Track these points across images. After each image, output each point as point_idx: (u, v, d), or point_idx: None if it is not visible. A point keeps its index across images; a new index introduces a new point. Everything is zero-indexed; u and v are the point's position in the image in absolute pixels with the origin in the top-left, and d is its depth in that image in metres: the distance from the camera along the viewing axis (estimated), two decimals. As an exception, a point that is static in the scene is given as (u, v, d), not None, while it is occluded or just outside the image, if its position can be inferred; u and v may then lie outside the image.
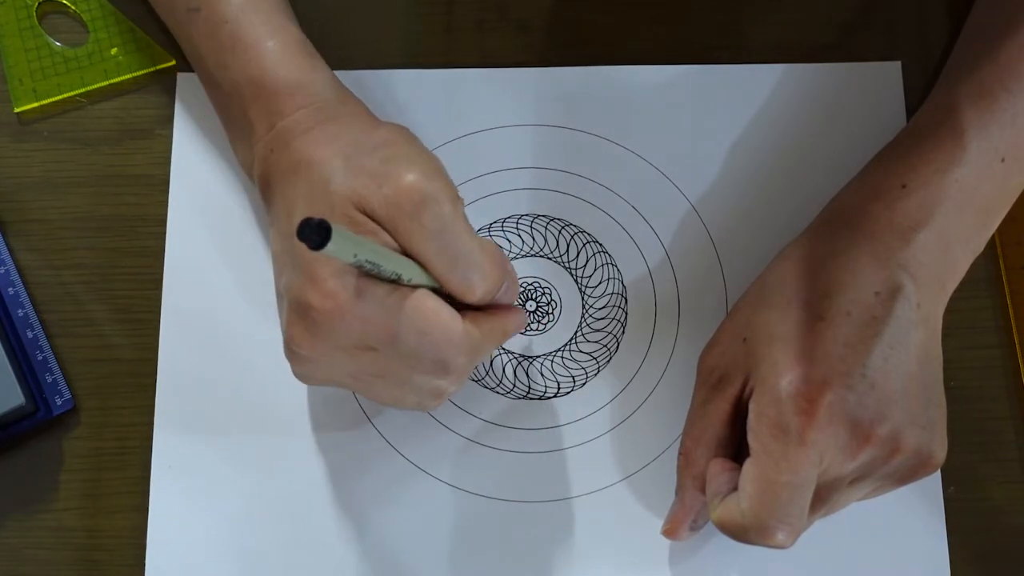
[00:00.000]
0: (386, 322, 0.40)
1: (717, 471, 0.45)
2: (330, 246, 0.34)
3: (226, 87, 0.47)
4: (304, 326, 0.41)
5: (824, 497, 0.43)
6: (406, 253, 0.41)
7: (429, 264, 0.41)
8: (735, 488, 0.44)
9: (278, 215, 0.44)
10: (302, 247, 0.38)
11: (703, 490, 0.46)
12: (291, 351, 0.42)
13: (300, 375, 0.44)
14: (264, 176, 0.45)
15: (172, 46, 0.54)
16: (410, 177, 0.40)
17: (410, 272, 0.40)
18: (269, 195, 0.45)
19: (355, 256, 0.37)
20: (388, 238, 0.40)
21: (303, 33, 0.49)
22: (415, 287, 0.40)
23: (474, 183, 0.53)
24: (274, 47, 0.46)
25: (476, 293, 0.42)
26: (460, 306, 0.42)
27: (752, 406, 0.44)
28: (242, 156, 0.49)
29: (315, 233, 0.34)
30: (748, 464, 0.43)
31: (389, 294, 0.40)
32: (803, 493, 0.42)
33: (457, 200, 0.41)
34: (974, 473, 0.50)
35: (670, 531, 0.48)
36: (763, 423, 0.43)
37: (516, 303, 0.46)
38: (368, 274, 0.39)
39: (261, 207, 0.52)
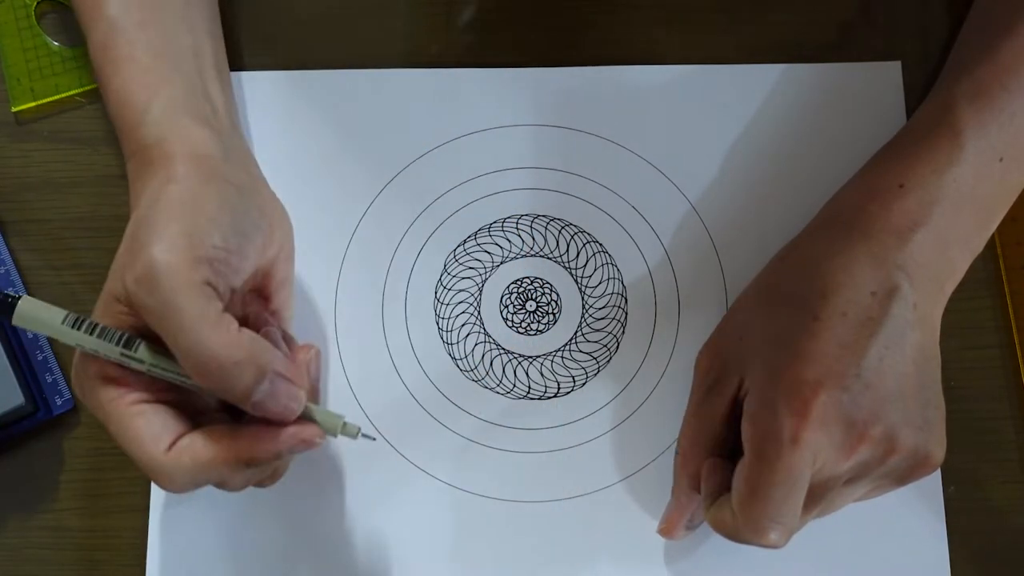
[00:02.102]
0: (106, 422, 0.41)
1: (712, 470, 0.45)
2: (16, 320, 0.38)
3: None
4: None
5: (818, 497, 0.43)
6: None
7: (162, 337, 0.39)
8: (730, 487, 0.44)
9: None
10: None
11: (699, 489, 0.46)
12: None
13: None
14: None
15: (172, 46, 0.54)
16: (150, 251, 0.39)
17: (128, 363, 0.40)
18: None
19: (41, 332, 0.40)
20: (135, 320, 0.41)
21: (175, 38, 0.47)
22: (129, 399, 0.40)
23: (474, 183, 0.53)
24: (117, 86, 0.46)
25: (227, 390, 0.39)
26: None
27: (747, 406, 0.44)
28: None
29: (5, 306, 0.38)
30: (742, 463, 0.43)
31: (107, 403, 0.40)
32: (796, 493, 0.42)
33: (201, 285, 0.39)
34: (974, 473, 0.50)
35: (666, 530, 0.48)
36: (757, 422, 0.43)
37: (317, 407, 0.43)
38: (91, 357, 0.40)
39: None
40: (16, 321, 0.38)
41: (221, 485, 0.42)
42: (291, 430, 0.41)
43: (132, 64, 0.46)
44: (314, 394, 0.45)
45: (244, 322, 0.42)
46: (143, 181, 0.43)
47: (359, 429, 0.43)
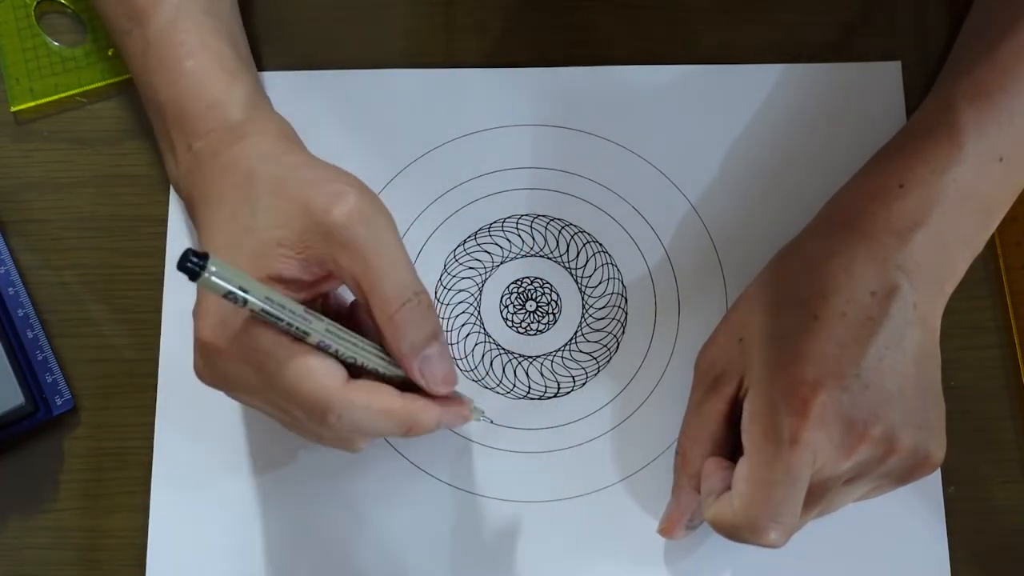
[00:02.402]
0: (260, 369, 0.40)
1: (712, 470, 0.45)
2: (205, 280, 0.35)
3: (153, 106, 0.48)
4: (199, 356, 0.42)
5: (818, 497, 0.43)
6: (339, 277, 0.40)
7: (358, 276, 0.40)
8: (729, 487, 0.44)
9: (199, 240, 0.44)
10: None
11: (699, 489, 0.46)
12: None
13: (232, 397, 0.44)
14: (187, 196, 0.46)
15: (172, 46, 0.54)
16: (343, 205, 0.40)
17: (304, 325, 0.39)
18: (192, 216, 0.46)
19: (230, 295, 0.37)
20: (296, 272, 0.40)
21: (236, 39, 0.49)
22: (309, 343, 0.40)
23: (474, 183, 0.53)
24: (192, 66, 0.46)
25: (392, 307, 0.40)
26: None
27: (746, 405, 0.44)
28: (169, 174, 0.49)
29: (193, 264, 0.34)
30: (741, 463, 0.43)
31: (275, 343, 0.39)
32: (796, 493, 0.42)
33: (378, 216, 0.41)
34: (974, 473, 0.50)
35: (666, 530, 0.48)
36: (757, 422, 0.43)
37: (461, 396, 0.45)
38: (261, 320, 0.39)
39: None
40: (202, 283, 0.36)
41: (348, 443, 0.43)
42: (455, 407, 0.43)
43: (206, 50, 0.47)
44: None
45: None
46: (243, 144, 0.44)
47: (483, 412, 0.47)
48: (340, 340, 0.40)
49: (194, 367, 0.42)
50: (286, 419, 0.43)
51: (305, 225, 0.40)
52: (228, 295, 0.37)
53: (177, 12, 0.47)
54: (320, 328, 0.40)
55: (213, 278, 0.35)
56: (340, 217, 0.40)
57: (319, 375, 0.39)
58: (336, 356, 0.41)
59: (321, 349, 0.40)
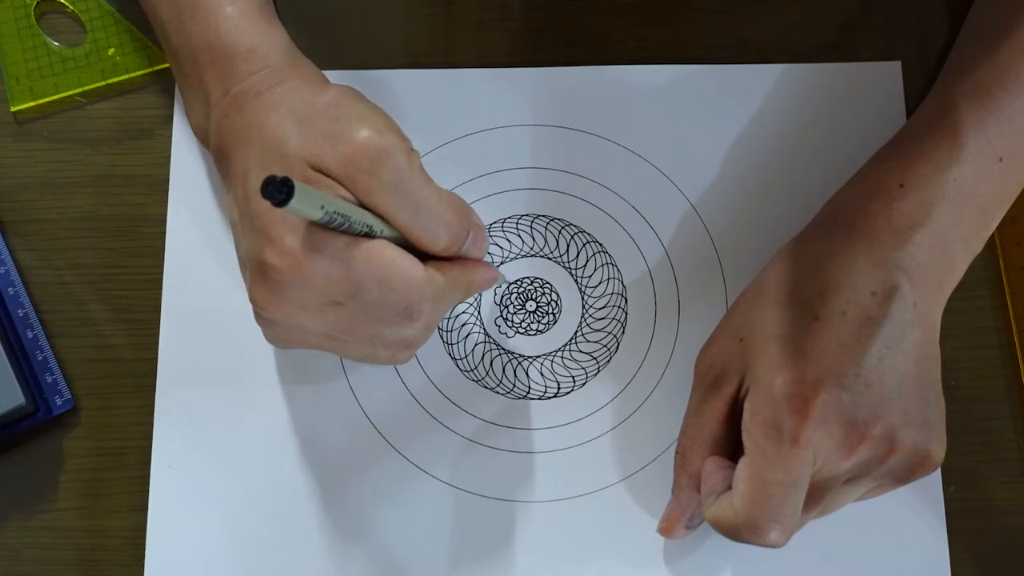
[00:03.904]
0: (347, 275, 0.40)
1: (712, 470, 0.45)
2: (294, 201, 0.35)
3: (184, 53, 0.48)
4: (267, 287, 0.41)
5: (818, 496, 0.43)
6: (366, 209, 0.41)
7: (390, 216, 0.41)
8: (730, 487, 0.44)
9: (234, 181, 0.44)
10: (260, 208, 0.40)
11: (699, 489, 0.46)
12: (258, 315, 0.43)
13: (272, 339, 0.45)
14: (219, 142, 0.45)
15: (172, 46, 0.54)
16: (363, 133, 0.41)
17: (379, 224, 0.41)
18: (225, 161, 0.45)
19: (322, 209, 0.37)
20: (346, 194, 0.41)
21: None
22: (375, 238, 0.41)
23: (474, 183, 0.53)
24: (232, 12, 0.46)
25: (440, 242, 0.42)
26: (428, 257, 0.42)
27: (747, 405, 0.44)
28: (196, 123, 0.49)
29: (278, 189, 0.35)
30: (742, 463, 0.43)
31: (347, 246, 0.40)
32: (796, 492, 0.42)
33: (412, 152, 0.42)
34: (974, 473, 0.50)
35: (666, 529, 0.48)
36: (757, 422, 0.43)
37: (489, 260, 0.47)
38: (329, 228, 0.40)
39: None
40: (289, 208, 0.36)
41: (413, 343, 0.45)
42: (490, 268, 0.46)
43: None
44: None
45: None
46: (286, 85, 0.44)
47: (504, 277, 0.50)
48: (391, 229, 0.42)
49: (253, 298, 0.42)
50: (355, 331, 0.43)
51: (332, 157, 0.41)
52: (313, 214, 0.38)
53: None
54: (379, 222, 0.41)
55: (295, 203, 0.35)
56: (361, 158, 0.41)
57: (405, 263, 0.41)
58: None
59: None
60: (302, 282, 0.40)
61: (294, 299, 0.41)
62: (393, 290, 0.41)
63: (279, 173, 0.40)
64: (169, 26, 0.48)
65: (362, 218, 0.40)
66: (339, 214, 0.38)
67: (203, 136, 0.48)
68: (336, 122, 0.42)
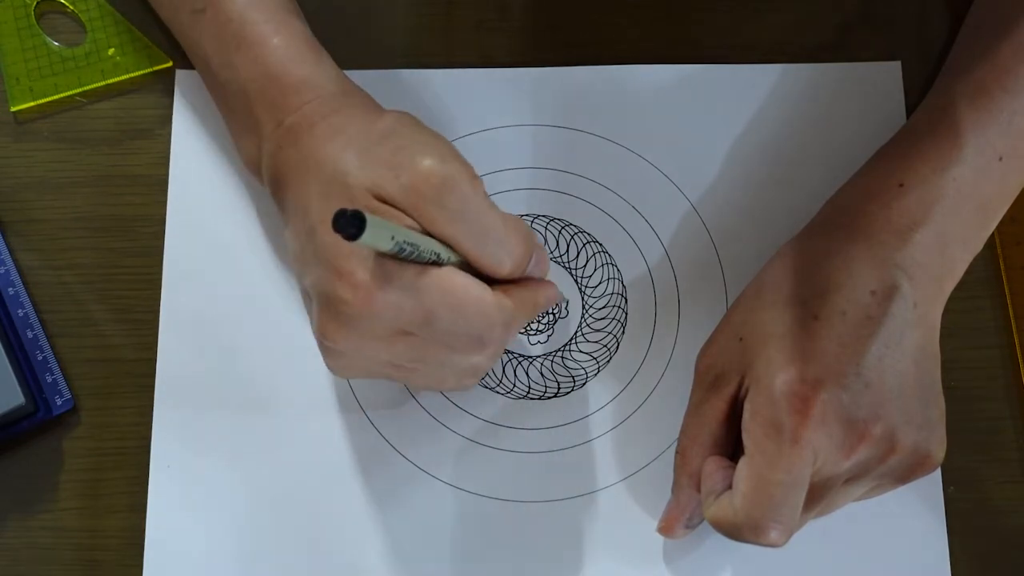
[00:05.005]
0: (419, 304, 0.40)
1: (712, 469, 0.45)
2: (366, 235, 0.35)
3: (232, 87, 0.47)
4: (338, 321, 0.41)
5: (818, 496, 0.43)
6: (431, 237, 0.41)
7: (456, 244, 0.41)
8: (730, 486, 0.44)
9: (293, 213, 0.44)
10: (328, 241, 0.40)
11: (699, 488, 0.46)
12: (325, 348, 0.43)
13: (336, 369, 0.44)
14: (275, 175, 0.45)
15: (170, 47, 0.54)
16: (427, 162, 0.41)
17: (446, 252, 0.41)
18: (282, 193, 0.45)
19: (393, 240, 0.37)
20: (412, 223, 0.41)
21: (307, 26, 0.49)
22: (443, 266, 0.41)
23: (474, 183, 0.53)
24: (279, 43, 0.46)
25: (505, 267, 0.42)
26: (491, 282, 0.42)
27: (747, 405, 0.44)
28: (247, 156, 0.48)
29: (350, 223, 0.34)
30: (742, 462, 0.43)
31: (418, 276, 0.40)
32: (796, 492, 0.42)
33: (475, 179, 0.42)
34: (974, 473, 0.50)
35: (665, 528, 0.48)
36: (757, 422, 0.43)
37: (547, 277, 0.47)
38: (398, 258, 0.40)
39: (261, 205, 0.52)
40: (361, 242, 0.36)
41: (483, 366, 0.45)
42: (551, 287, 0.46)
43: (289, 27, 0.47)
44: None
45: None
46: (341, 114, 0.44)
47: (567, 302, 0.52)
48: (456, 255, 0.42)
49: (323, 332, 0.42)
50: (425, 360, 0.43)
51: (396, 187, 0.41)
52: (384, 245, 0.38)
53: None
54: (446, 250, 0.41)
55: (367, 236, 0.35)
56: (426, 188, 0.40)
57: (475, 287, 0.41)
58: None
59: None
60: (373, 314, 0.40)
61: (366, 331, 0.41)
62: (465, 317, 0.41)
63: (342, 205, 0.41)
64: (214, 60, 0.48)
65: (430, 247, 0.40)
66: (409, 244, 0.38)
67: (255, 169, 0.48)
68: (398, 151, 0.42)
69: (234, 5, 0.47)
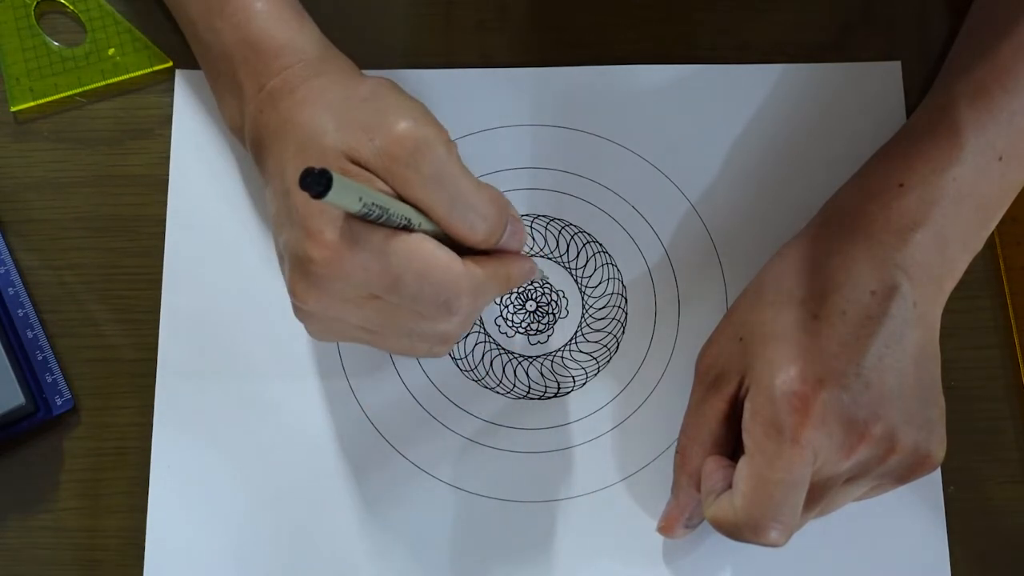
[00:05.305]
0: (386, 268, 0.40)
1: (712, 469, 0.45)
2: (332, 193, 0.35)
3: (215, 50, 0.48)
4: (307, 281, 0.41)
5: (818, 496, 0.43)
6: (404, 201, 0.41)
7: (428, 209, 0.41)
8: (730, 486, 0.44)
9: (272, 175, 0.44)
10: (299, 201, 0.40)
11: (699, 488, 0.46)
12: (296, 307, 0.43)
13: (312, 332, 0.45)
14: (256, 137, 0.46)
15: (170, 48, 0.54)
16: (402, 125, 0.41)
17: (417, 217, 0.41)
18: (262, 156, 0.45)
19: (360, 201, 0.37)
20: (384, 187, 0.41)
21: None
22: (415, 231, 0.41)
23: (474, 183, 0.53)
24: (262, 8, 0.47)
25: (478, 234, 0.42)
26: (466, 251, 0.42)
27: (747, 404, 0.44)
28: (231, 119, 0.49)
29: (316, 181, 0.35)
30: (742, 462, 0.43)
31: (387, 240, 0.40)
32: (797, 492, 0.42)
33: (450, 143, 0.42)
34: (974, 473, 0.50)
35: (665, 528, 0.48)
36: (757, 421, 0.43)
37: (526, 251, 0.47)
38: (369, 221, 0.40)
39: (261, 205, 0.52)
40: (328, 200, 0.37)
41: (452, 335, 0.44)
42: (527, 260, 0.46)
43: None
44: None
45: None
46: (322, 79, 0.45)
47: (542, 271, 0.50)
48: (428, 221, 0.41)
49: (293, 291, 0.42)
50: (393, 325, 0.43)
51: (369, 149, 0.41)
52: (352, 206, 0.38)
53: None
54: (417, 215, 0.41)
55: (333, 195, 0.35)
56: (399, 150, 0.41)
57: (443, 258, 0.41)
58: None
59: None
60: (341, 275, 0.40)
61: (333, 291, 0.41)
62: (431, 283, 0.41)
63: (316, 164, 0.41)
64: (199, 24, 0.48)
65: (400, 211, 0.40)
66: (377, 206, 0.38)
67: (238, 133, 0.48)
68: (374, 114, 0.42)
69: None
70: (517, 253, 0.45)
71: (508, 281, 0.44)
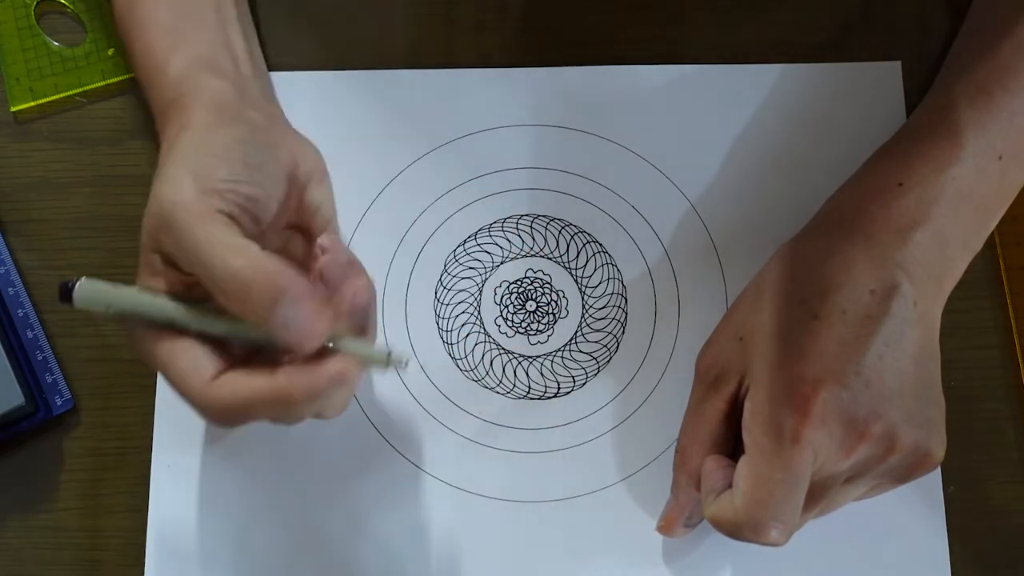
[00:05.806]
0: (155, 367, 0.41)
1: (712, 468, 0.45)
2: (78, 302, 0.40)
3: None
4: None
5: (819, 495, 0.43)
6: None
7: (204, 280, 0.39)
8: (730, 485, 0.44)
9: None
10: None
11: (698, 487, 0.46)
12: None
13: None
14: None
15: (172, 46, 0.54)
16: (160, 195, 0.40)
17: (185, 315, 0.40)
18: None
19: (108, 307, 0.40)
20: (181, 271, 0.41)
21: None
22: (184, 334, 0.40)
23: (474, 183, 0.53)
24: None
25: (247, 317, 0.38)
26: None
27: (747, 404, 0.44)
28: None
29: (62, 294, 0.40)
30: (742, 462, 0.43)
31: (155, 342, 0.40)
32: (797, 491, 0.42)
33: (204, 210, 0.39)
34: (974, 473, 0.50)
35: (665, 527, 0.48)
36: (757, 421, 0.43)
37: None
38: (138, 322, 0.41)
39: None
40: (77, 304, 0.39)
41: (275, 420, 0.40)
42: (326, 366, 0.38)
43: (155, 25, 0.47)
44: (364, 327, 0.42)
45: (288, 257, 0.43)
46: (164, 135, 0.44)
47: (407, 360, 0.42)
48: (210, 322, 0.40)
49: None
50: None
51: (144, 233, 0.41)
52: (104, 312, 0.41)
53: None
54: (183, 312, 0.40)
55: (80, 304, 0.39)
56: (151, 231, 0.40)
57: (189, 374, 0.40)
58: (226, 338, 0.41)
59: (203, 335, 0.41)
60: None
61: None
62: (184, 398, 0.40)
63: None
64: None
65: (159, 312, 0.40)
66: (129, 312, 0.40)
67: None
68: (153, 184, 0.41)
69: (116, 2, 0.48)
70: (313, 364, 0.39)
71: (283, 399, 0.38)
